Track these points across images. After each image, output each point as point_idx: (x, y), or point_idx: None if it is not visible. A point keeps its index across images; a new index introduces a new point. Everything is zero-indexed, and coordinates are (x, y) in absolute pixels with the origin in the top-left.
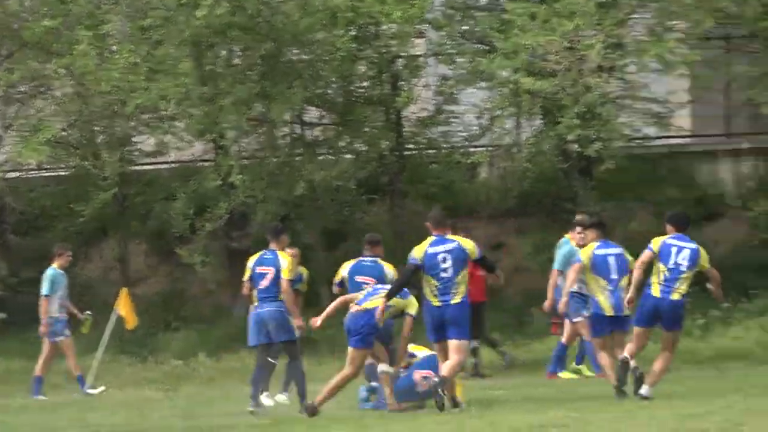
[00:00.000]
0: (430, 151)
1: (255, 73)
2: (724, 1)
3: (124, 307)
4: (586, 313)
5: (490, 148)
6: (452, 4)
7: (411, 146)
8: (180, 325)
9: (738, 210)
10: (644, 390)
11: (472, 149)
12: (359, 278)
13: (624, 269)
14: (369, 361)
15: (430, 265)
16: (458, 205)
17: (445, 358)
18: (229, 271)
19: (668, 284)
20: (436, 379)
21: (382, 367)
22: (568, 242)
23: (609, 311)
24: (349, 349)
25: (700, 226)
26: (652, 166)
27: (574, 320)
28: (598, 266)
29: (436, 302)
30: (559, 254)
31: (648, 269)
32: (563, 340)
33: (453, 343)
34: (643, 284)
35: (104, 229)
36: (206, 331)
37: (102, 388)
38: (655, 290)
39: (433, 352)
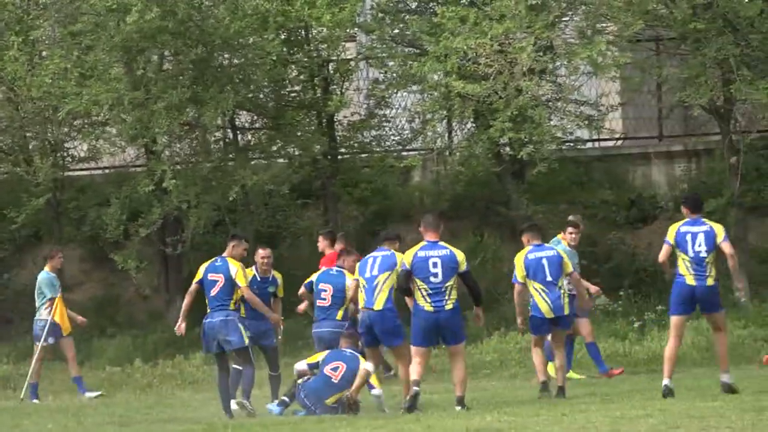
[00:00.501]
0: (363, 155)
1: (186, 78)
2: (653, 3)
3: (58, 314)
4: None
5: (422, 152)
6: (383, 7)
7: (344, 150)
8: (115, 330)
9: (671, 212)
10: (725, 377)
11: (404, 153)
12: (322, 285)
13: (558, 270)
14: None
15: (419, 268)
16: (392, 208)
17: (426, 364)
18: (164, 276)
19: (698, 271)
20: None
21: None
22: (559, 242)
23: (548, 313)
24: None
25: (634, 229)
26: (584, 169)
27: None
28: (532, 270)
29: (428, 307)
30: None
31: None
32: (588, 339)
33: (452, 349)
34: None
35: (38, 234)
36: (142, 336)
37: (98, 392)
38: (690, 279)
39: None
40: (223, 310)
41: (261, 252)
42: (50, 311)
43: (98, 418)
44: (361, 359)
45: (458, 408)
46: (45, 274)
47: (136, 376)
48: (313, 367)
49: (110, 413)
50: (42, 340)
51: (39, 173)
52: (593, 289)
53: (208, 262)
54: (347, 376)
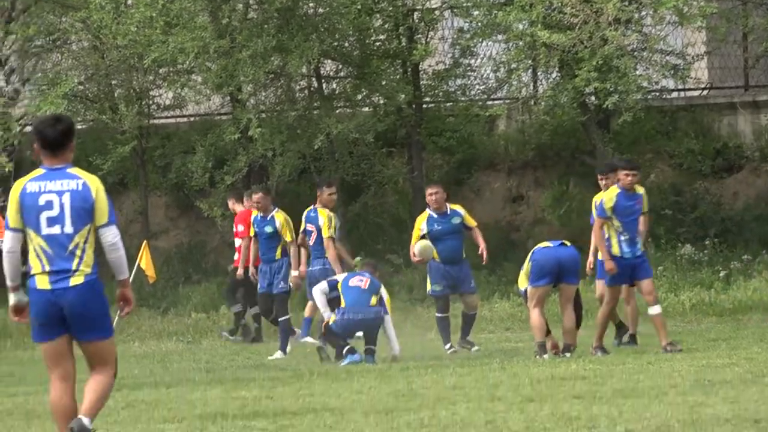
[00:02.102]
0: (448, 104)
1: (271, 26)
2: None
3: (145, 261)
4: None
5: (507, 101)
6: None
7: (428, 99)
8: (201, 277)
9: (757, 162)
10: None
11: (489, 102)
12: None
13: None
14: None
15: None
16: (476, 157)
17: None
18: None
19: None
20: None
21: None
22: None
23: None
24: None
25: (719, 178)
26: (670, 119)
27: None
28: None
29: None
30: None
31: None
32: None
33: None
34: None
35: (124, 182)
36: (227, 283)
37: None
38: None
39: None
40: (320, 258)
41: (255, 197)
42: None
43: (184, 364)
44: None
45: (566, 354)
46: None
47: (221, 323)
48: (332, 286)
49: (196, 359)
50: None
51: (124, 121)
52: None
53: (306, 211)
54: (374, 283)
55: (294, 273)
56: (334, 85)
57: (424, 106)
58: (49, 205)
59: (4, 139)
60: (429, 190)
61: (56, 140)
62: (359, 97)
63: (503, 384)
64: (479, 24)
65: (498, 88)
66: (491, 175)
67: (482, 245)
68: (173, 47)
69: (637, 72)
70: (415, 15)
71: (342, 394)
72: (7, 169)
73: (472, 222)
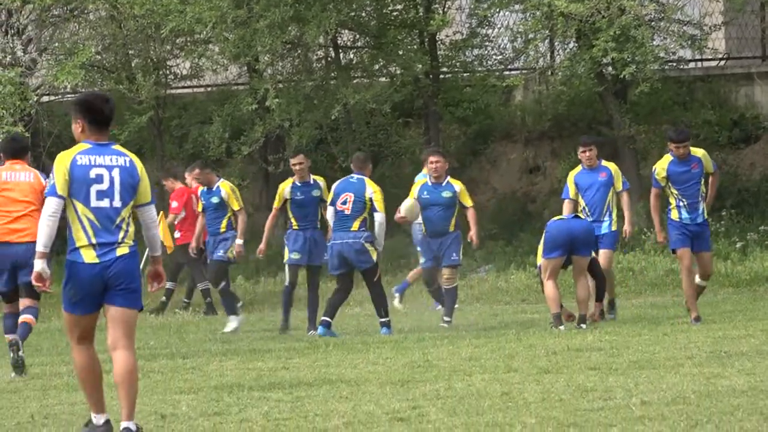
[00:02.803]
0: (465, 74)
1: None
2: None
3: (162, 231)
4: None
5: (524, 71)
6: None
7: (445, 69)
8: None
9: None
10: None
11: (506, 72)
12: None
13: None
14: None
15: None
16: (493, 128)
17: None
18: (266, 194)
19: None
20: None
21: None
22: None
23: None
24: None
25: (736, 149)
26: (687, 89)
27: None
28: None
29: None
30: None
31: None
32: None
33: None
34: None
35: (141, 151)
36: (244, 253)
37: None
38: None
39: None
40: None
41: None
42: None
43: (200, 335)
44: (368, 182)
45: (582, 326)
46: None
47: (238, 294)
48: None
49: (212, 330)
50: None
51: (141, 91)
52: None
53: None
54: (357, 207)
55: (239, 242)
56: (351, 55)
57: (441, 76)
58: (99, 179)
59: (20, 108)
60: (431, 158)
61: (109, 117)
62: (376, 67)
63: (519, 355)
64: None
65: (515, 58)
66: (508, 146)
67: (474, 229)
68: (191, 17)
69: (655, 42)
70: None
71: (358, 365)
72: None
73: (468, 201)
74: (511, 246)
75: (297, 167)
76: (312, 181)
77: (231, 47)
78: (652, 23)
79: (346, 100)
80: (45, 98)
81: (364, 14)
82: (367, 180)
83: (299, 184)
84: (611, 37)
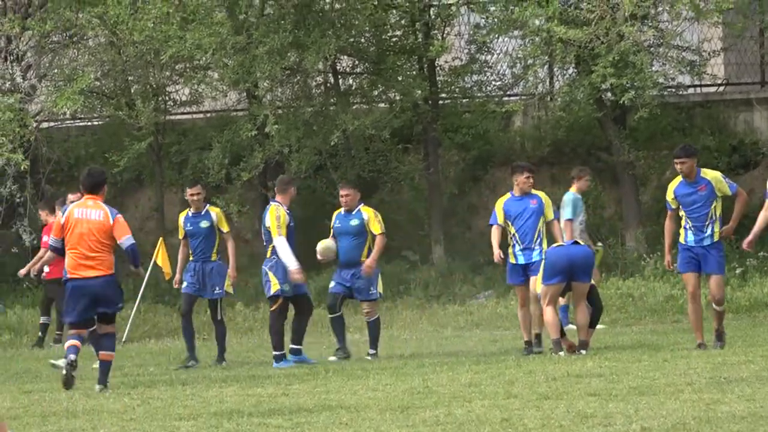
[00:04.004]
0: (464, 100)
1: (288, 22)
2: None
3: (161, 257)
4: None
5: (523, 97)
6: None
7: (444, 95)
8: None
9: None
10: None
11: (505, 98)
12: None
13: None
14: None
15: None
16: (492, 153)
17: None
18: None
19: None
20: None
21: None
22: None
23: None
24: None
25: (735, 175)
26: (686, 115)
27: None
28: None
29: None
30: None
31: None
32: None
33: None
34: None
35: (140, 178)
36: (243, 280)
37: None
38: None
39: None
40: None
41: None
42: None
43: (200, 361)
44: (269, 210)
45: (582, 351)
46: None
47: (237, 320)
48: None
49: (211, 356)
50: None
51: (141, 117)
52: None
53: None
54: (265, 236)
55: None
56: (351, 81)
57: (440, 102)
58: None
59: (20, 135)
60: (342, 191)
61: None
62: (375, 93)
63: (519, 381)
64: (496, 20)
65: (514, 84)
66: (507, 172)
67: (373, 256)
68: (190, 43)
69: (654, 68)
70: (432, 11)
71: (358, 392)
72: (22, 167)
73: (376, 229)
74: None
75: (195, 197)
76: (204, 212)
77: (230, 73)
78: (651, 49)
79: (345, 125)
80: (44, 124)
81: (363, 40)
82: (270, 207)
83: (191, 215)
84: (610, 63)
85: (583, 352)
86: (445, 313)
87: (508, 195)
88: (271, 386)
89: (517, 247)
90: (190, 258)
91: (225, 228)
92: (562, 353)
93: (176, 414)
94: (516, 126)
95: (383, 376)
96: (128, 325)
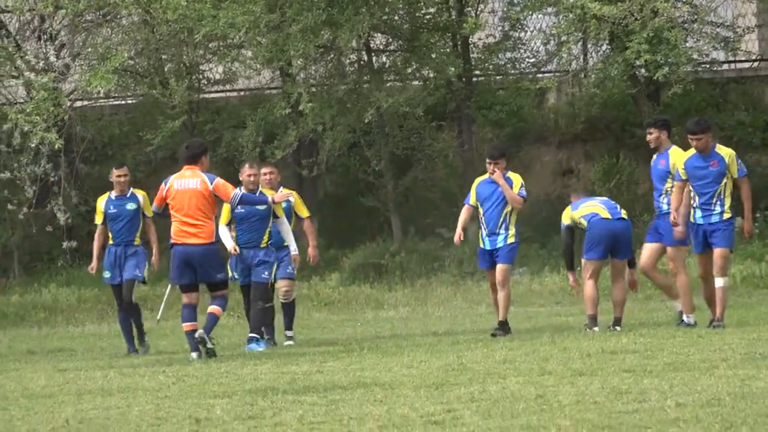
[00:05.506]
0: (498, 77)
1: (321, 0)
2: None
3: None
4: None
5: (557, 74)
6: None
7: (478, 72)
8: None
9: None
10: None
11: (539, 75)
12: None
13: None
14: None
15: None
16: (526, 130)
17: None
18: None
19: None
20: None
21: None
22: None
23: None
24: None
25: None
26: (720, 91)
27: None
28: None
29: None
30: None
31: None
32: None
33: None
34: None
35: (174, 156)
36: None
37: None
38: None
39: None
40: None
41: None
42: None
43: (234, 338)
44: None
45: (617, 328)
46: None
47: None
48: None
49: (246, 334)
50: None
51: (174, 95)
52: None
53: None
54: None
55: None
56: (384, 59)
57: (474, 79)
58: None
59: (54, 114)
60: (263, 170)
61: None
62: (409, 70)
63: (553, 358)
64: None
65: (548, 61)
66: (541, 149)
67: (311, 244)
68: (224, 21)
69: (688, 44)
70: None
71: (392, 369)
72: (56, 146)
73: (303, 212)
74: (545, 249)
75: (122, 179)
76: (129, 194)
77: (264, 51)
78: (685, 25)
79: (379, 103)
80: (78, 103)
81: (396, 17)
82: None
83: (114, 198)
84: (644, 39)
85: (618, 328)
86: (479, 290)
87: (486, 176)
88: (305, 364)
89: (484, 232)
90: (110, 241)
91: (150, 213)
92: (596, 329)
93: (211, 392)
94: (550, 103)
95: (418, 353)
96: (163, 304)
